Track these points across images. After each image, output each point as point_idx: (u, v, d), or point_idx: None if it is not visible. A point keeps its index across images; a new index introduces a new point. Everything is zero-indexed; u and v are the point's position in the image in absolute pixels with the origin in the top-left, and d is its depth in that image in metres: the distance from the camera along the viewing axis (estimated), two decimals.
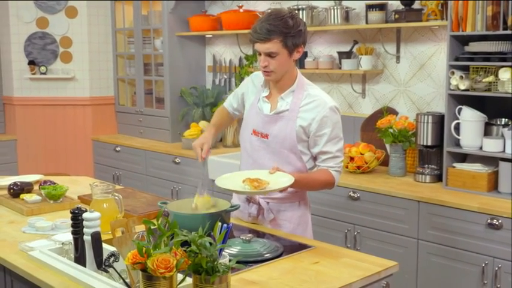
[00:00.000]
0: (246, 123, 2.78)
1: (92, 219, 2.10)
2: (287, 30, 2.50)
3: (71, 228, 2.17)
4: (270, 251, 2.31)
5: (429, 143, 3.87)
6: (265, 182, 2.42)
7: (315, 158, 2.69)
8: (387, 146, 4.20)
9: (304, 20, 4.59)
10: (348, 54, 4.55)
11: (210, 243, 1.71)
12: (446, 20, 3.82)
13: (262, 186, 2.40)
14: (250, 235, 2.39)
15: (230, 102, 2.98)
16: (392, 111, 4.32)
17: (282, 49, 2.52)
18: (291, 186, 2.47)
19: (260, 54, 2.59)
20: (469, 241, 3.39)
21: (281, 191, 2.50)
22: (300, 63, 4.82)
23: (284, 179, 2.47)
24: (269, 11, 2.72)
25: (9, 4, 6.03)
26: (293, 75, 2.67)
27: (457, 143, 3.74)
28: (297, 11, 4.62)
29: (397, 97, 4.43)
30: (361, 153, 4.19)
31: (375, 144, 4.28)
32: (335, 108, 2.62)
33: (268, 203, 2.72)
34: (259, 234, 2.58)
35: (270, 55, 2.54)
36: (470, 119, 3.63)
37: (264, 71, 2.61)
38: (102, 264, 1.99)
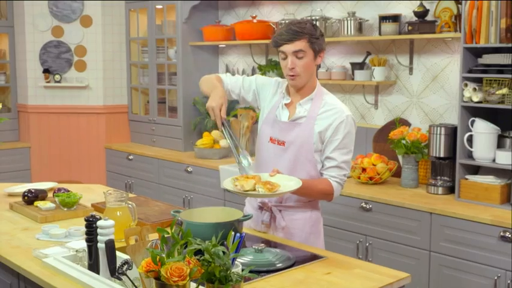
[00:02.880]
0: (262, 131, 2.79)
1: (106, 227, 2.12)
2: (313, 32, 2.60)
3: (84, 236, 2.19)
4: (282, 261, 2.31)
5: (442, 155, 3.86)
6: (277, 185, 2.42)
7: (322, 166, 2.69)
8: (400, 157, 4.20)
9: None
10: (360, 65, 4.56)
11: (224, 253, 1.72)
12: (460, 32, 3.82)
13: (275, 188, 2.40)
14: (262, 245, 2.39)
15: (235, 82, 2.91)
16: (404, 123, 4.32)
17: (309, 49, 2.60)
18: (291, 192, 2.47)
19: (285, 59, 2.62)
20: (481, 253, 3.38)
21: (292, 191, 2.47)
22: None
23: (291, 183, 2.46)
24: (290, 20, 2.78)
25: (25, 13, 6.10)
26: (314, 83, 2.73)
27: (470, 155, 3.73)
28: None
29: (409, 108, 4.43)
30: (373, 164, 4.18)
31: (387, 155, 4.28)
32: (351, 119, 2.68)
33: (280, 210, 2.73)
34: (272, 244, 2.58)
35: (297, 56, 2.59)
36: (483, 131, 3.62)
37: (290, 75, 2.64)
38: (115, 272, 2.00)
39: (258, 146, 2.83)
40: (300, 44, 2.58)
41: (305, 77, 2.65)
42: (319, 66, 4.79)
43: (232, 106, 5.51)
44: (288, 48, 2.59)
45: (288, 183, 2.45)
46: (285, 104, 2.73)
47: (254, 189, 2.39)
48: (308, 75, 2.66)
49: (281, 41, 2.60)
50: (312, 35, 2.59)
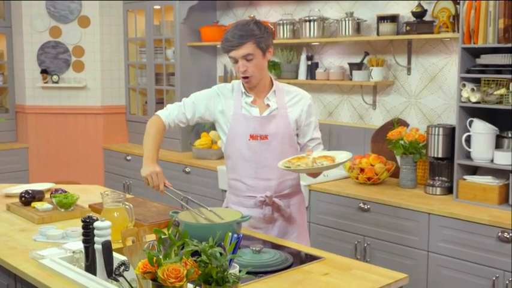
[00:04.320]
0: (236, 132, 2.81)
1: (103, 228, 2.11)
2: (257, 33, 2.68)
3: (81, 237, 2.18)
4: (279, 262, 2.31)
5: (440, 155, 3.86)
6: (333, 156, 2.59)
7: (302, 148, 2.86)
8: (398, 158, 4.19)
9: (316, 31, 4.64)
10: (358, 66, 4.56)
11: (221, 254, 1.72)
12: (458, 32, 3.82)
13: (334, 160, 2.57)
14: (260, 245, 2.39)
15: (178, 113, 2.91)
16: (403, 123, 4.31)
17: (257, 50, 2.69)
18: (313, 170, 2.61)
19: (236, 63, 2.71)
20: (479, 254, 3.38)
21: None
22: (311, 74, 4.84)
23: (342, 155, 2.62)
24: (234, 23, 2.84)
25: (23, 13, 6.09)
26: (268, 77, 2.85)
27: (468, 156, 3.73)
28: (308, 22, 4.65)
29: (407, 109, 4.42)
30: (371, 165, 4.18)
31: (385, 155, 4.27)
32: (312, 99, 2.91)
33: (280, 199, 2.84)
34: (269, 245, 2.58)
35: (246, 59, 2.68)
36: (482, 132, 3.62)
37: (244, 77, 2.74)
38: (112, 273, 2.00)
39: (234, 147, 2.83)
40: (247, 48, 2.66)
41: (258, 76, 2.76)
42: (317, 66, 4.81)
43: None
44: (236, 53, 2.69)
45: (338, 156, 2.63)
46: (251, 102, 2.82)
47: (316, 164, 2.55)
48: (261, 74, 2.77)
49: (229, 47, 2.69)
50: (256, 35, 2.67)
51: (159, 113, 2.95)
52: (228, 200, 2.97)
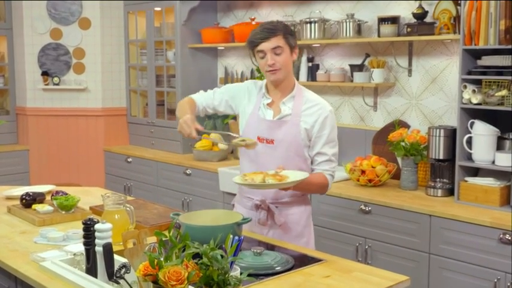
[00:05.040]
0: (247, 131, 2.83)
1: (104, 231, 2.11)
2: (286, 29, 2.73)
3: (82, 239, 2.18)
4: (280, 264, 2.31)
5: (441, 157, 3.85)
6: (286, 176, 2.53)
7: (311, 162, 2.79)
8: (399, 160, 4.19)
9: (316, 32, 4.65)
10: (359, 67, 4.55)
11: (222, 256, 1.71)
12: (459, 33, 3.81)
13: (284, 179, 2.50)
14: (261, 248, 2.38)
15: (208, 98, 2.98)
16: (404, 125, 4.31)
17: (285, 45, 2.71)
18: (292, 187, 2.57)
19: (263, 57, 2.71)
20: (480, 256, 3.37)
21: (294, 186, 2.57)
22: (312, 75, 4.84)
23: (298, 174, 2.59)
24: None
25: (23, 15, 6.09)
26: (292, 80, 2.82)
27: (469, 157, 3.72)
28: (309, 24, 4.65)
29: (408, 110, 4.42)
30: (372, 167, 4.18)
31: (386, 157, 4.27)
32: (333, 113, 2.80)
33: (277, 207, 2.79)
34: (270, 247, 2.57)
35: (275, 52, 2.68)
36: (483, 133, 3.61)
37: (271, 70, 2.72)
38: (113, 276, 2.00)
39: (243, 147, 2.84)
40: (277, 40, 2.68)
41: (285, 71, 2.75)
42: (317, 67, 4.81)
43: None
44: (265, 46, 2.69)
45: (295, 174, 2.57)
46: (267, 104, 2.80)
47: (264, 182, 2.50)
48: (288, 69, 2.76)
49: (258, 40, 2.70)
50: (285, 31, 2.71)
51: (191, 95, 3.03)
52: (235, 197, 3.02)
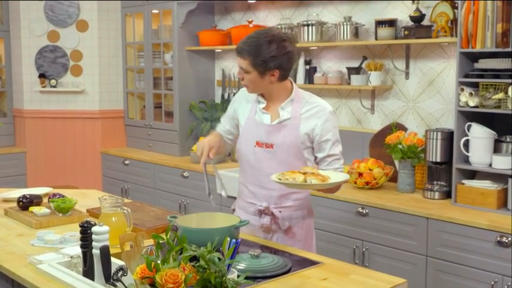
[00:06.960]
0: (245, 136, 2.82)
1: (101, 233, 2.10)
2: (256, 54, 2.58)
3: (79, 242, 2.18)
4: (278, 267, 2.30)
5: (438, 160, 3.86)
6: (328, 177, 2.51)
7: (318, 162, 2.78)
8: (396, 162, 4.19)
9: (314, 35, 4.62)
10: (357, 70, 4.56)
11: (219, 259, 1.71)
12: (456, 36, 3.82)
13: (326, 180, 2.48)
14: (258, 250, 2.38)
15: (222, 125, 3.02)
16: (401, 127, 4.32)
17: (252, 69, 2.62)
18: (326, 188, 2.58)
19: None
20: (478, 258, 3.37)
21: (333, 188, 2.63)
22: (309, 78, 4.84)
23: (338, 175, 2.59)
24: (258, 30, 2.75)
25: (21, 17, 6.08)
26: (286, 87, 2.76)
27: (466, 160, 3.73)
28: (306, 26, 4.64)
29: (406, 113, 4.42)
30: (369, 169, 4.18)
31: (383, 160, 4.27)
32: (333, 113, 2.77)
33: (280, 211, 2.77)
34: (267, 250, 2.57)
35: (243, 70, 2.65)
36: (480, 136, 3.62)
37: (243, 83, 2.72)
38: (110, 278, 1.99)
39: (242, 152, 2.85)
40: (243, 62, 2.63)
41: (254, 89, 2.72)
42: (315, 70, 4.81)
43: None
44: (237, 60, 2.69)
45: (334, 175, 2.57)
46: (263, 108, 2.77)
47: (305, 181, 2.46)
48: (257, 88, 2.71)
49: (235, 50, 2.68)
50: (255, 56, 2.58)
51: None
52: (236, 202, 3.00)
